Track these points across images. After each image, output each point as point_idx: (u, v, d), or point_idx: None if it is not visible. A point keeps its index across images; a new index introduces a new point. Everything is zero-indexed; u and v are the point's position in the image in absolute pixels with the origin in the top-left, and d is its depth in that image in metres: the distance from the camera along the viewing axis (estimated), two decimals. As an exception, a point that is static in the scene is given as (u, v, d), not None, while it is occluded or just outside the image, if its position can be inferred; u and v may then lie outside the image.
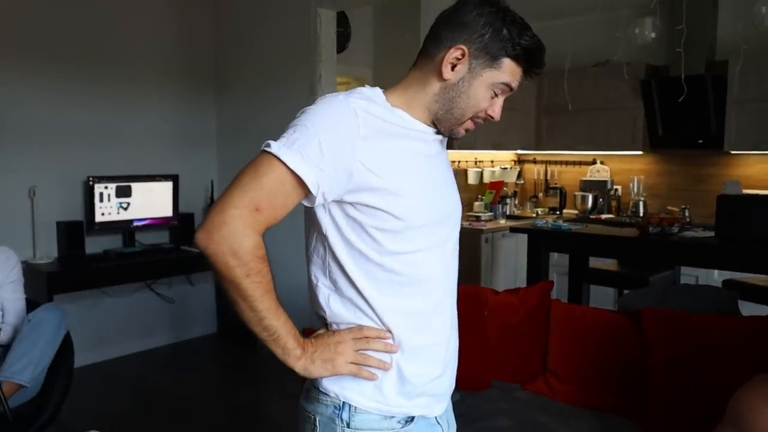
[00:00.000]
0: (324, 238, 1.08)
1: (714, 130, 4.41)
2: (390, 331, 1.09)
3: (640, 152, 4.96)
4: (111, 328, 4.09)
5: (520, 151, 5.66)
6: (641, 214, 4.75)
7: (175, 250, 4.13)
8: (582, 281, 3.84)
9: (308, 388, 1.15)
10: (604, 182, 5.24)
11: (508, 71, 1.07)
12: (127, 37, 4.08)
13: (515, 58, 1.06)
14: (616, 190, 5.21)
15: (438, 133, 1.12)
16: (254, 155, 1.03)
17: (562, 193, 5.45)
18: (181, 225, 4.23)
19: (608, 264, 4.03)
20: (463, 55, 1.06)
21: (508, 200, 5.39)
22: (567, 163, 5.52)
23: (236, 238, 0.97)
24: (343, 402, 1.09)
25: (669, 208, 4.68)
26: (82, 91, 3.89)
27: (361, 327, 1.09)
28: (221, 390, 3.71)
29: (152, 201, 4.12)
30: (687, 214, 4.45)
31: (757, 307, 3.07)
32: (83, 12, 3.85)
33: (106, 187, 3.88)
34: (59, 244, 3.79)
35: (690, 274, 4.13)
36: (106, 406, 3.34)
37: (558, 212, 5.37)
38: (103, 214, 3.89)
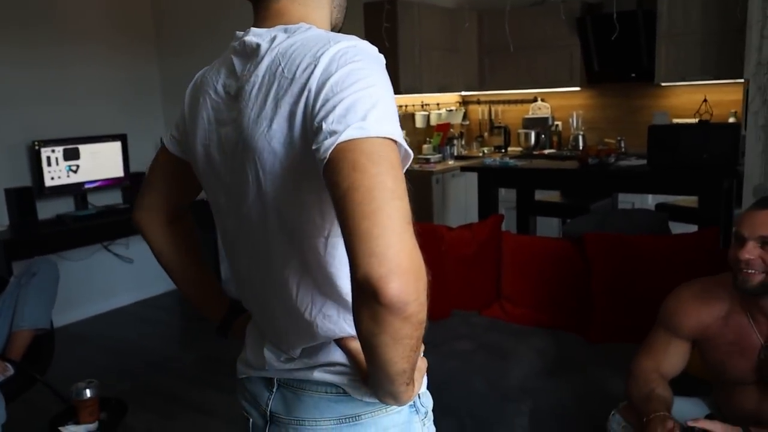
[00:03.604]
0: None
1: (645, 64, 4.64)
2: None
3: (577, 88, 5.17)
4: (72, 291, 4.09)
5: (464, 93, 5.79)
6: (581, 148, 4.99)
7: (130, 210, 4.10)
8: (529, 213, 4.07)
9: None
10: (546, 119, 5.44)
11: None
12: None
13: None
14: (557, 125, 5.44)
15: None
16: None
17: (506, 132, 5.64)
18: (133, 184, 4.20)
19: (552, 196, 4.28)
20: None
21: (455, 141, 5.54)
22: (510, 102, 5.69)
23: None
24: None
25: (606, 140, 4.95)
26: (17, 54, 3.75)
27: None
28: (191, 341, 3.81)
29: (102, 162, 4.07)
30: (623, 144, 4.71)
31: (686, 226, 3.36)
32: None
33: (53, 151, 3.81)
34: (10, 211, 3.72)
35: (627, 201, 4.42)
36: (80, 366, 3.40)
37: (503, 150, 5.57)
38: (52, 178, 3.83)
